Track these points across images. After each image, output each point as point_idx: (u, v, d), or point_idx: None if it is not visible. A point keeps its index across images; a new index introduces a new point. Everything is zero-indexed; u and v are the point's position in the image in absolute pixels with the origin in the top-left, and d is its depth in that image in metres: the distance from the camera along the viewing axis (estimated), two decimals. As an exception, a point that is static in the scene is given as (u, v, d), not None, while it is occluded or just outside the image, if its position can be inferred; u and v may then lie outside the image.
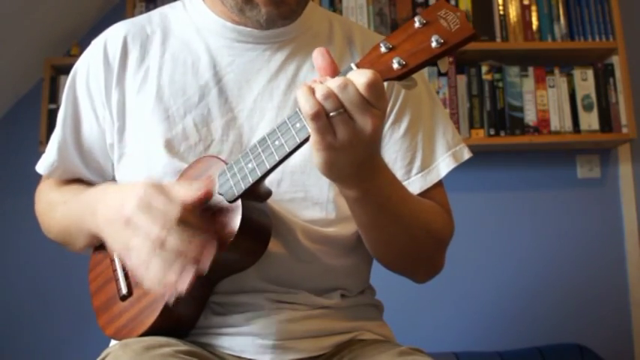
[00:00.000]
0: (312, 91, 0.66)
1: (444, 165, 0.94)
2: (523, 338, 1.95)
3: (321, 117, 0.66)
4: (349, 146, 0.68)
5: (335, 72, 0.69)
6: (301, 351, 0.85)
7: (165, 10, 1.00)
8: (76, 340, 1.99)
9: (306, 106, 0.66)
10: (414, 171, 0.93)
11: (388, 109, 0.92)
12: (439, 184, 0.95)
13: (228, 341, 0.85)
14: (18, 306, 2.07)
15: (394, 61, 0.67)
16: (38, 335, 2.06)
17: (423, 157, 0.94)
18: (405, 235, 0.87)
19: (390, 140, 0.94)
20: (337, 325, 0.89)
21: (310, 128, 0.67)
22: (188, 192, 0.75)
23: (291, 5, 0.87)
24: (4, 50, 1.94)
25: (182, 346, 0.78)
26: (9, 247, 2.10)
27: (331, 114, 0.66)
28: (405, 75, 0.67)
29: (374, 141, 0.70)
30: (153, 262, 0.72)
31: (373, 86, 0.65)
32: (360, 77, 0.65)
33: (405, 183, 0.92)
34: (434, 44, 0.66)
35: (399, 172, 0.92)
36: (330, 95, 0.65)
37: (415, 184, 0.93)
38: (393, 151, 0.93)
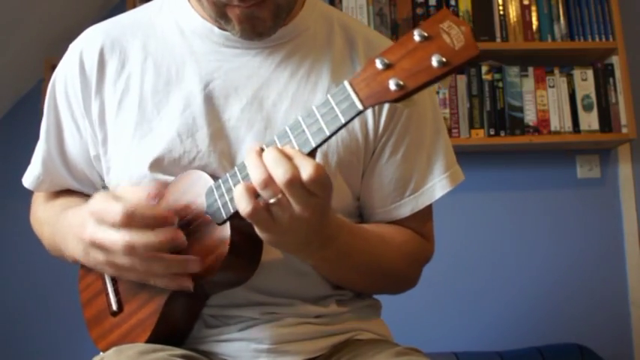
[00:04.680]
0: (250, 189, 0.66)
1: (439, 187, 0.91)
2: (523, 338, 1.95)
3: (257, 213, 0.66)
4: (289, 229, 0.68)
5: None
6: (297, 353, 0.84)
7: (147, 9, 0.93)
8: (75, 342, 1.98)
9: (242, 205, 0.66)
10: (408, 192, 0.90)
11: (391, 128, 0.89)
12: (427, 207, 0.92)
13: (223, 347, 0.84)
14: (17, 306, 2.07)
15: (391, 82, 0.60)
16: (37, 336, 2.06)
17: (418, 178, 0.91)
18: (367, 279, 0.89)
19: (389, 160, 0.90)
20: (334, 328, 0.88)
21: (248, 220, 0.67)
22: (136, 191, 0.76)
23: (266, 22, 0.80)
24: (4, 50, 1.94)
25: (176, 351, 0.78)
26: (9, 247, 2.10)
27: (270, 201, 0.66)
28: (402, 98, 0.61)
29: (315, 223, 0.69)
30: (141, 266, 0.73)
31: (316, 182, 0.64)
32: (304, 172, 0.63)
33: (395, 205, 0.91)
34: (435, 64, 0.59)
35: (392, 192, 0.90)
36: (269, 184, 0.64)
37: (407, 207, 0.91)
38: (389, 171, 0.90)
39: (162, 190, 0.77)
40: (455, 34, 0.60)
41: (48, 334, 2.06)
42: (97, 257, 0.76)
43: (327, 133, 0.65)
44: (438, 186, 0.91)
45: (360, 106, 0.63)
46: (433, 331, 2.06)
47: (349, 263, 0.84)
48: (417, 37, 0.61)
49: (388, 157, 0.89)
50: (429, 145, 0.92)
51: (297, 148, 0.67)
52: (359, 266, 0.85)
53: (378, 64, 0.62)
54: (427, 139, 0.92)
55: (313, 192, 0.65)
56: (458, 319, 2.10)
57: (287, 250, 0.76)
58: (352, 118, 0.64)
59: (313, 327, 0.86)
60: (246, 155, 0.68)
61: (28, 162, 1.00)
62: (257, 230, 0.70)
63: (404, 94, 0.61)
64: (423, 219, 0.94)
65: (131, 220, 0.71)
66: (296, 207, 0.66)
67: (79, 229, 0.78)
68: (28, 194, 1.05)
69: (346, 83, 0.64)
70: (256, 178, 0.65)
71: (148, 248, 0.71)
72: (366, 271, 0.87)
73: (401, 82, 0.60)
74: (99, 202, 0.75)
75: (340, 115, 0.64)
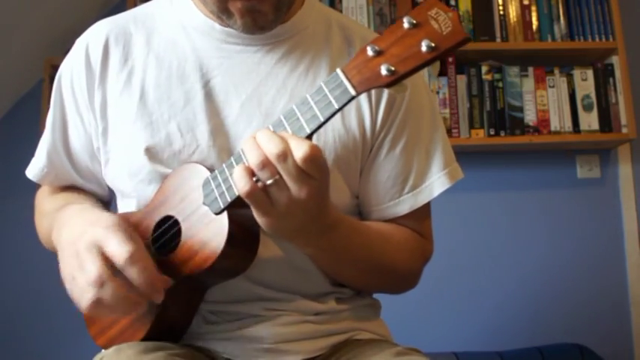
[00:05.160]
0: (249, 170, 0.66)
1: (438, 184, 0.91)
2: (523, 338, 1.95)
3: (255, 193, 0.67)
4: (287, 213, 0.68)
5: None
6: (297, 353, 0.84)
7: (150, 6, 0.95)
8: (74, 341, 1.98)
9: (240, 184, 0.67)
10: (406, 190, 0.90)
11: (389, 122, 0.90)
12: (426, 205, 0.92)
13: (223, 345, 0.84)
14: (16, 306, 2.07)
15: (382, 67, 0.63)
16: (36, 336, 2.06)
17: (417, 175, 0.91)
18: (367, 276, 0.89)
19: (387, 156, 0.90)
20: (333, 327, 0.88)
21: (247, 201, 0.68)
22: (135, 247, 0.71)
23: (268, 15, 0.82)
24: (4, 50, 1.94)
25: (176, 350, 0.78)
26: (8, 247, 2.11)
27: (267, 182, 0.66)
28: (394, 83, 0.63)
29: (313, 207, 0.69)
30: (87, 297, 0.71)
31: (312, 160, 0.65)
32: (299, 150, 0.64)
33: (394, 202, 0.91)
34: (424, 49, 0.61)
35: (390, 189, 0.90)
36: (266, 165, 0.65)
37: (405, 204, 0.91)
38: (387, 168, 0.90)
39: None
40: (442, 20, 0.62)
41: (48, 333, 2.06)
42: (70, 263, 0.74)
43: (322, 119, 0.67)
44: (436, 183, 0.91)
45: (352, 92, 0.65)
46: (433, 331, 2.06)
47: (348, 257, 0.84)
48: (406, 25, 0.63)
49: (386, 153, 0.90)
50: (427, 142, 0.92)
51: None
52: (357, 261, 0.86)
53: (369, 52, 0.64)
54: (425, 136, 0.92)
55: (309, 172, 0.66)
56: (458, 319, 2.10)
57: (284, 235, 0.75)
58: (345, 104, 0.66)
59: (313, 326, 0.86)
60: (243, 142, 0.69)
61: (28, 162, 1.00)
62: (255, 214, 0.70)
63: (395, 79, 0.63)
64: (421, 217, 0.94)
65: (129, 269, 0.70)
66: (293, 188, 0.66)
67: (75, 235, 0.76)
68: (29, 194, 1.05)
69: (339, 71, 0.66)
70: (253, 159, 0.66)
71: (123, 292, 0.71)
72: (365, 268, 0.88)
73: (392, 68, 0.62)
74: (110, 228, 0.73)
75: (334, 101, 0.66)
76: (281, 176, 0.66)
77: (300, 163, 0.65)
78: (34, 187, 1.05)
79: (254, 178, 0.67)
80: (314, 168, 0.66)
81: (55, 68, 2.08)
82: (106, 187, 0.97)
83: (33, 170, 0.99)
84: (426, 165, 0.92)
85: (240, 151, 0.71)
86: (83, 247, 0.72)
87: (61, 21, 2.08)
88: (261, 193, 0.67)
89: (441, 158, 0.92)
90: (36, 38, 2.04)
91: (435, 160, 0.92)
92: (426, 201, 0.91)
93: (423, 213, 0.93)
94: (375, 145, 0.90)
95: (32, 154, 0.99)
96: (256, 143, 0.67)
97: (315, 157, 0.65)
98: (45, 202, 0.99)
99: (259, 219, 0.71)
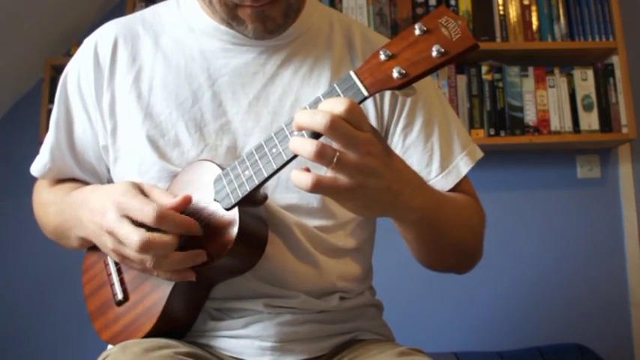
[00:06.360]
0: (320, 179, 0.63)
1: (462, 164, 0.92)
2: (523, 338, 1.95)
3: (339, 183, 0.64)
4: (367, 178, 0.65)
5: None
6: (301, 352, 0.84)
7: (158, 8, 0.97)
8: (76, 341, 1.99)
9: (331, 188, 0.64)
10: (433, 173, 0.91)
11: (396, 114, 0.91)
12: (463, 178, 0.93)
13: (227, 343, 0.84)
14: (18, 306, 2.07)
15: (394, 70, 0.65)
16: (38, 335, 2.06)
17: (441, 158, 0.92)
18: (454, 238, 0.86)
19: (404, 145, 0.92)
20: (337, 327, 0.89)
21: (335, 199, 0.67)
22: (165, 197, 0.77)
23: (277, 20, 0.84)
24: (4, 50, 1.94)
25: (182, 348, 0.78)
26: (9, 247, 2.11)
27: (334, 162, 0.63)
28: (405, 85, 0.66)
29: (384, 158, 0.67)
30: (150, 262, 0.74)
31: (354, 110, 0.63)
32: (339, 107, 0.63)
33: None
34: (435, 54, 0.64)
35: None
36: (322, 149, 0.62)
37: (436, 187, 0.89)
38: (408, 156, 0.91)
39: (186, 201, 0.77)
40: (452, 28, 0.65)
41: (50, 332, 2.06)
42: (106, 243, 0.78)
43: None
44: (460, 163, 0.93)
45: (365, 93, 0.67)
46: (433, 331, 2.06)
47: (441, 216, 0.80)
48: (417, 31, 0.66)
49: (403, 141, 0.92)
50: (442, 124, 0.94)
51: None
52: (448, 221, 0.83)
53: (382, 55, 0.67)
54: (438, 118, 0.94)
55: (357, 125, 0.64)
56: (458, 319, 2.10)
57: (386, 207, 0.71)
58: (358, 104, 0.67)
59: (317, 326, 0.87)
60: (291, 141, 0.65)
61: (28, 161, 1.01)
62: (342, 203, 0.68)
63: (406, 82, 0.65)
64: (464, 189, 0.93)
65: (161, 224, 0.73)
66: (355, 150, 0.64)
67: (97, 214, 0.79)
68: (29, 193, 1.06)
69: (351, 73, 0.68)
70: (309, 150, 0.63)
71: (165, 249, 0.73)
72: (453, 227, 0.85)
73: (403, 71, 0.65)
74: (127, 195, 0.76)
75: None
76: (340, 151, 0.63)
77: (347, 118, 0.62)
78: (34, 186, 1.06)
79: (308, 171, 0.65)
80: (358, 117, 0.64)
81: (55, 68, 2.09)
82: (105, 182, 0.98)
83: (37, 167, 1.00)
84: (448, 147, 0.93)
85: (252, 150, 0.72)
86: (112, 221, 0.75)
87: (61, 21, 2.08)
88: (337, 182, 0.64)
89: (460, 139, 0.94)
90: (36, 38, 2.04)
91: (454, 142, 0.94)
92: (456, 181, 0.92)
93: (463, 184, 0.93)
94: (388, 138, 0.92)
95: (32, 154, 1.01)
96: (301, 138, 0.64)
97: (353, 103, 0.64)
98: (46, 193, 1.00)
99: (350, 204, 0.68)
